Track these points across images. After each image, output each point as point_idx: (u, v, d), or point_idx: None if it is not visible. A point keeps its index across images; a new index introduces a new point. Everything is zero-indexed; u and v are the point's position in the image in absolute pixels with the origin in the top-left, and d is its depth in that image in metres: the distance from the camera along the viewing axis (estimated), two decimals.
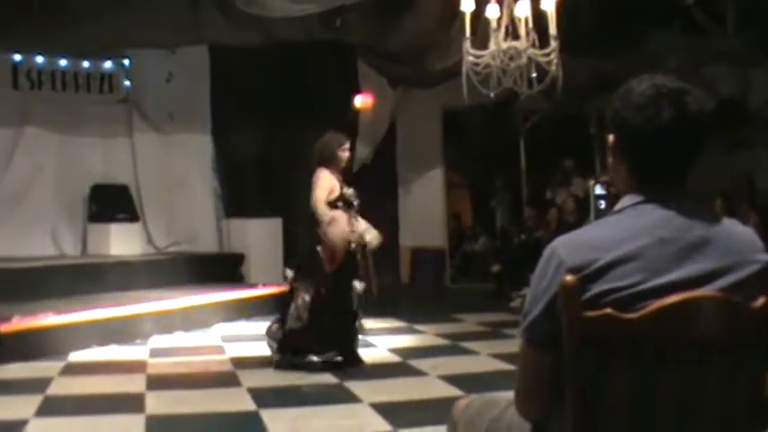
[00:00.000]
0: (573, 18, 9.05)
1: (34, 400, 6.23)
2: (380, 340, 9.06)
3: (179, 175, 13.23)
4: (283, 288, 8.42)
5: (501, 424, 2.42)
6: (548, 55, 7.96)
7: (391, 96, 14.17)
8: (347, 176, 7.81)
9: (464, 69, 8.21)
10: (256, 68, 12.64)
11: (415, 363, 7.79)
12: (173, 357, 8.19)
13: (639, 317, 1.92)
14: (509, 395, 2.32)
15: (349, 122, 13.32)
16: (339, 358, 7.41)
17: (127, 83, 13.12)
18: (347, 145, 7.69)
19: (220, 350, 8.58)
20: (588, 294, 1.97)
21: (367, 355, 7.95)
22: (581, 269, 1.99)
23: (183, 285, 11.14)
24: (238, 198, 13.35)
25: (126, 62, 13.05)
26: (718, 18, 12.07)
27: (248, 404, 6.24)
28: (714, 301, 1.95)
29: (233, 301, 10.74)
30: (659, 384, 1.93)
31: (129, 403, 6.26)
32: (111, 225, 12.37)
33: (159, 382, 7.03)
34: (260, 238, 12.93)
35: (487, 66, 8.11)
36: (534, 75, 8.25)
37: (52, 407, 6.16)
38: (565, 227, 10.71)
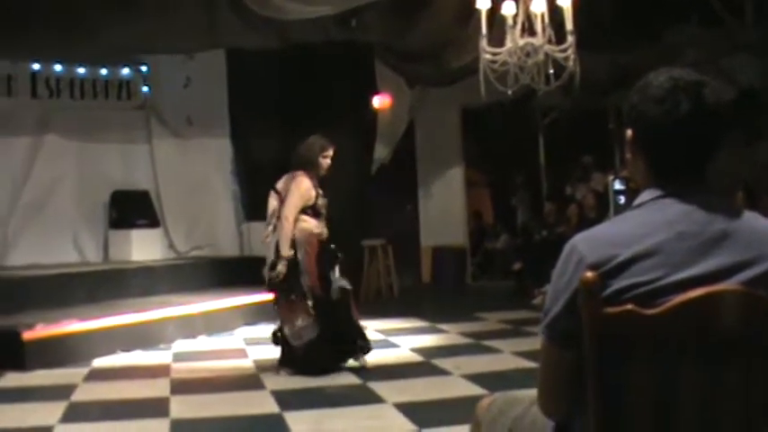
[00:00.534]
0: (589, 13, 9.01)
1: (59, 407, 6.26)
2: (403, 340, 9.06)
3: (199, 179, 13.26)
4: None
5: (524, 422, 2.41)
6: (564, 51, 7.94)
7: (409, 96, 14.16)
8: (324, 185, 7.66)
9: (481, 67, 8.19)
10: (273, 71, 12.65)
11: (437, 362, 7.78)
12: (196, 361, 8.21)
13: (660, 312, 1.91)
14: (532, 393, 2.31)
15: (367, 123, 13.33)
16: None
17: (145, 89, 13.20)
18: (330, 152, 7.52)
19: (243, 353, 8.59)
20: (609, 290, 1.96)
21: (390, 355, 7.94)
22: (601, 265, 1.98)
23: (204, 289, 11.17)
24: (258, 201, 13.31)
25: (144, 68, 13.13)
26: (735, 9, 12.00)
27: (272, 407, 6.24)
28: (736, 295, 1.93)
29: (255, 304, 10.73)
30: (681, 379, 1.92)
31: (154, 408, 6.29)
32: (132, 231, 12.44)
33: (183, 387, 7.06)
34: None
35: (504, 63, 8.10)
36: (551, 71, 8.22)
37: (77, 413, 6.18)
38: (585, 223, 10.67)
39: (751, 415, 1.96)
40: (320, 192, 7.48)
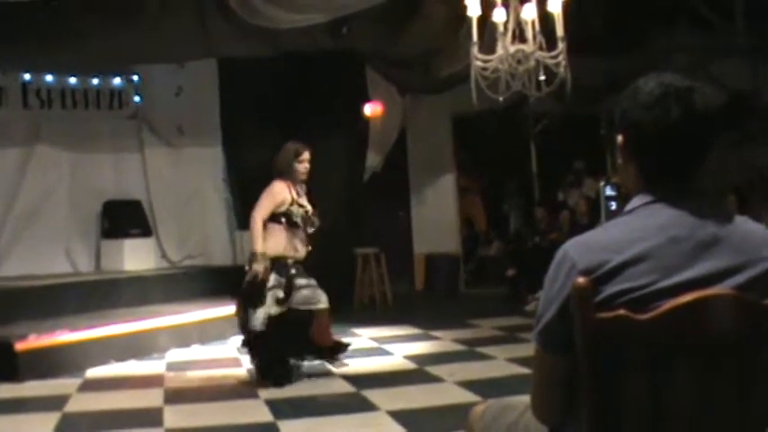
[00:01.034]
0: (580, 19, 9.02)
1: (53, 418, 6.24)
2: (397, 348, 9.05)
3: (191, 188, 13.25)
4: None
5: (518, 428, 2.42)
6: (555, 57, 7.95)
7: (400, 104, 14.18)
8: (314, 194, 7.62)
9: (472, 74, 8.20)
10: (265, 80, 12.65)
11: (431, 369, 7.77)
12: (190, 371, 8.20)
13: (653, 317, 1.91)
14: (526, 399, 2.32)
15: (359, 131, 13.33)
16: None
17: (136, 98, 13.18)
18: (306, 155, 7.41)
19: (237, 362, 8.57)
20: (601, 296, 1.97)
21: (384, 362, 7.92)
22: (593, 271, 1.99)
23: (197, 298, 11.13)
24: (251, 210, 13.32)
25: (135, 78, 13.11)
26: (725, 14, 12.05)
27: (266, 416, 6.23)
28: (728, 299, 1.94)
29: None
30: (674, 384, 1.92)
31: (148, 418, 6.27)
32: (124, 240, 12.40)
33: (177, 396, 7.04)
34: None
35: (496, 70, 8.10)
36: (543, 78, 8.23)
37: (71, 424, 6.17)
38: (578, 229, 10.69)
39: (744, 418, 1.97)
40: (299, 201, 7.40)
